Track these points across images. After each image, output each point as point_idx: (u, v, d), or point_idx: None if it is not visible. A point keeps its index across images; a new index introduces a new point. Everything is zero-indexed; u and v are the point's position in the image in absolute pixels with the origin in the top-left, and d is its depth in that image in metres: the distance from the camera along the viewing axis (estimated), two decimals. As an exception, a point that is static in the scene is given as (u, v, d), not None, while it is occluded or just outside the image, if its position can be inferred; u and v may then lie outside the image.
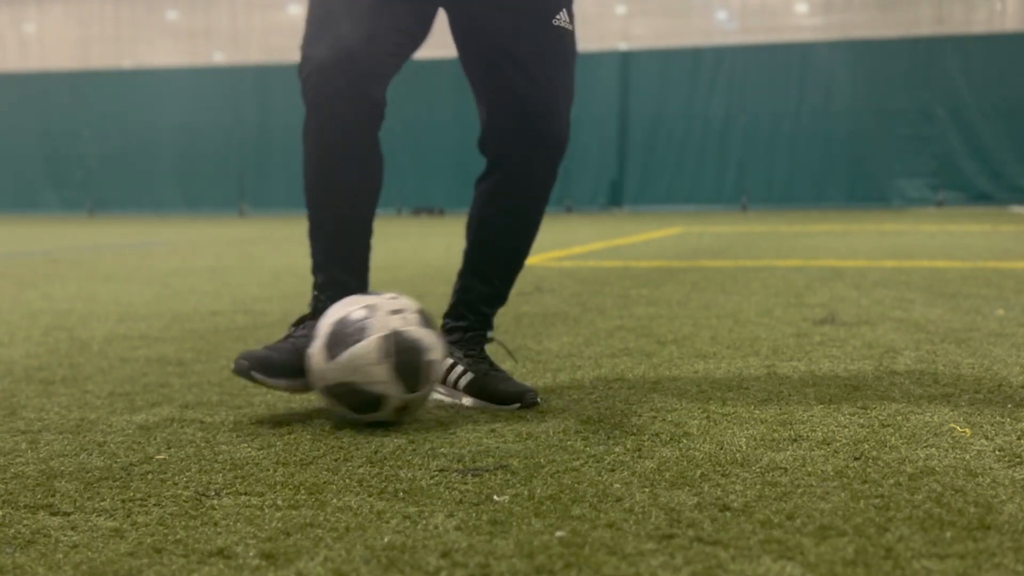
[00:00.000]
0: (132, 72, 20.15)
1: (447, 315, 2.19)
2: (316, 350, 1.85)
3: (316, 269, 2.04)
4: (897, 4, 17.37)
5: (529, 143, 2.07)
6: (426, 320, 1.90)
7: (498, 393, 2.02)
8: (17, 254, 7.89)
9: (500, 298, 2.19)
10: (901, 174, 16.58)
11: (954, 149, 16.39)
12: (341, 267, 2.03)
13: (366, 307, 1.86)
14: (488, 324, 2.18)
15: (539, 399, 2.04)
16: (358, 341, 1.81)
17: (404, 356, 1.82)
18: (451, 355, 2.11)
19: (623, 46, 18.21)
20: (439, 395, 2.13)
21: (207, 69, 19.96)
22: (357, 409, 1.84)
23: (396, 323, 1.84)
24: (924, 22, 17.18)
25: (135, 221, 16.25)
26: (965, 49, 16.48)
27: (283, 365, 1.92)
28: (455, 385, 2.09)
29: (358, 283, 2.03)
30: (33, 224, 15.25)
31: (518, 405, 1.99)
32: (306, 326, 1.98)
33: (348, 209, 2.02)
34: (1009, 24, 17.21)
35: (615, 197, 17.84)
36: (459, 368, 2.09)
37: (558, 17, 2.06)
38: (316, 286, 2.04)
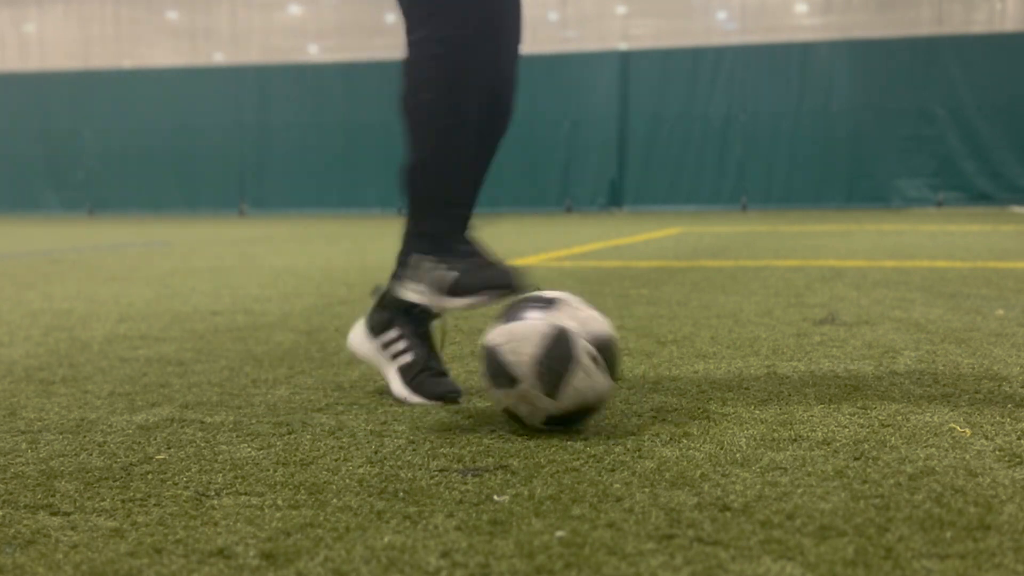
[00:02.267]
0: (132, 72, 20.14)
1: (395, 276, 2.14)
2: (597, 315, 1.83)
3: (450, 201, 2.02)
4: (897, 4, 17.37)
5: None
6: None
7: (426, 389, 2.06)
8: (17, 254, 7.89)
9: None
10: (901, 174, 16.57)
11: (954, 149, 16.37)
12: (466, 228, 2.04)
13: (547, 332, 1.78)
14: None
15: (460, 399, 2.07)
16: (570, 367, 1.75)
17: (553, 358, 1.78)
18: (400, 326, 2.12)
19: (623, 46, 18.20)
20: (369, 356, 2.15)
21: (207, 69, 19.94)
22: (616, 372, 1.82)
23: (583, 338, 1.80)
24: (924, 22, 17.16)
25: (135, 221, 16.24)
26: (965, 49, 16.47)
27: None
28: (393, 358, 2.11)
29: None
30: (33, 224, 15.25)
31: (440, 403, 2.05)
32: (464, 250, 1.97)
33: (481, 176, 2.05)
34: (1009, 24, 17.20)
35: (615, 197, 17.83)
36: (402, 344, 2.11)
37: None
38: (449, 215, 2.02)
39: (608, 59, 17.87)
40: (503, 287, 1.90)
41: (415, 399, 2.06)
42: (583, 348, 1.77)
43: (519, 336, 1.78)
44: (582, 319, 1.80)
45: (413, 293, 2.00)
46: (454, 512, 1.36)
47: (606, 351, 1.79)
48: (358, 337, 2.21)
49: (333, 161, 18.64)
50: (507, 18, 1.99)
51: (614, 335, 1.84)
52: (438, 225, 2.00)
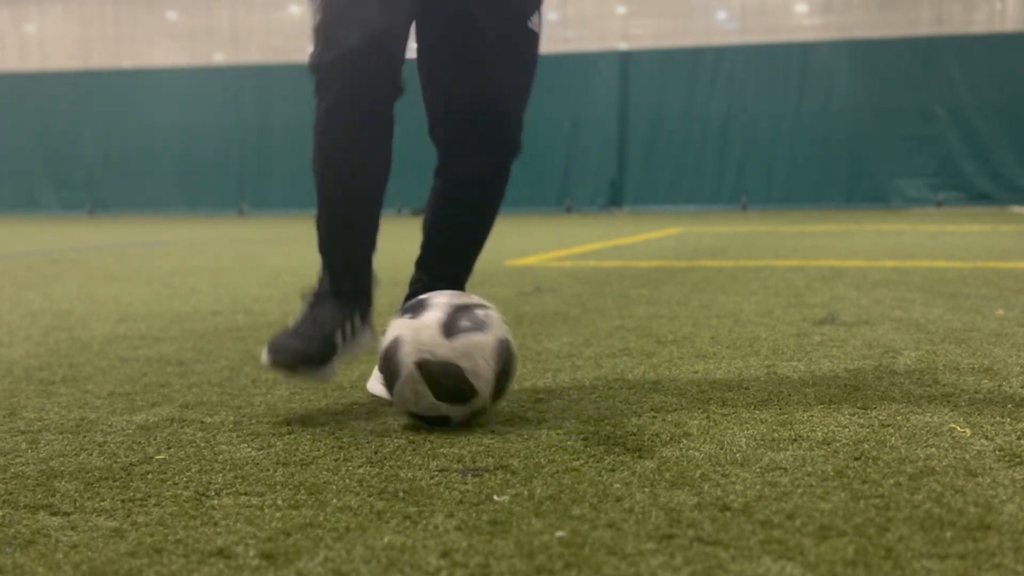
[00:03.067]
0: (132, 72, 20.14)
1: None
2: (431, 323, 1.83)
3: (332, 250, 2.04)
4: (897, 4, 17.36)
5: (486, 145, 2.09)
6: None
7: None
8: (17, 254, 7.89)
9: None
10: (901, 174, 16.57)
11: (954, 149, 16.37)
12: (367, 246, 2.04)
13: (483, 306, 1.89)
14: None
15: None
16: (480, 332, 1.83)
17: (506, 365, 1.86)
18: None
19: (623, 46, 18.20)
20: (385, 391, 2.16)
21: (207, 69, 19.94)
22: (443, 394, 1.81)
23: (507, 332, 1.89)
24: (924, 22, 17.16)
25: (135, 221, 16.24)
26: (965, 49, 16.47)
27: (317, 357, 1.92)
28: None
29: (372, 258, 2.07)
30: (33, 224, 15.25)
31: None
32: (327, 308, 1.98)
33: (373, 191, 2.02)
34: (1009, 24, 17.20)
35: (615, 197, 17.83)
36: None
37: (532, 19, 2.07)
38: (334, 267, 2.03)
39: (608, 59, 17.87)
40: (274, 362, 1.91)
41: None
42: (501, 335, 1.87)
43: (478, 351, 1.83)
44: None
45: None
46: (454, 512, 1.36)
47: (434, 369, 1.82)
48: (374, 380, 2.22)
49: (333, 161, 18.61)
50: (372, 133, 1.96)
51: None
52: (321, 281, 2.06)
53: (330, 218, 2.03)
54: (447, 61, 2.08)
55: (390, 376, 1.85)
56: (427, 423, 1.85)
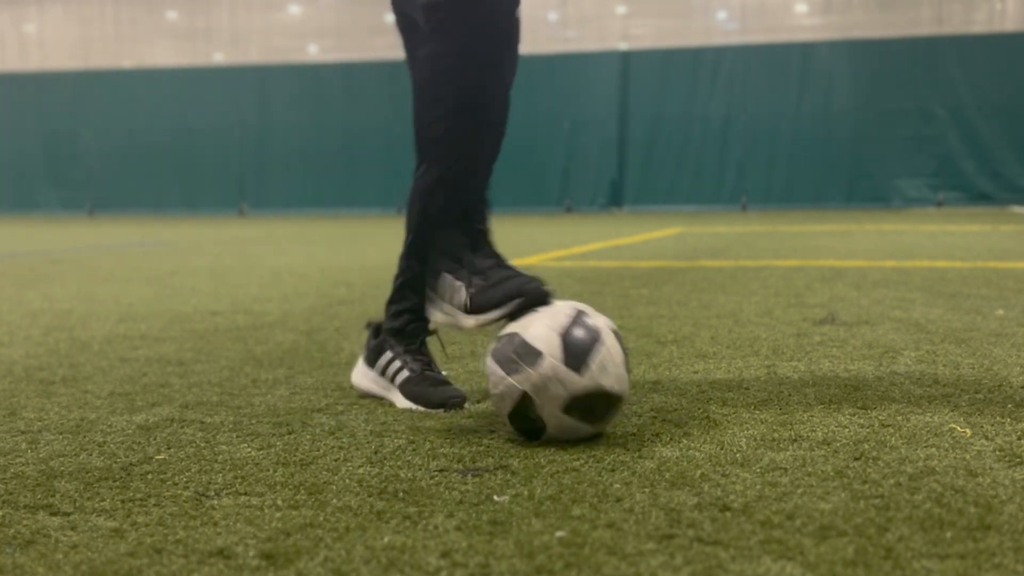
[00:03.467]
0: (132, 72, 20.13)
1: (390, 301, 2.17)
2: (555, 365, 1.71)
3: (468, 188, 1.99)
4: (897, 4, 17.36)
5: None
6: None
7: (427, 397, 2.04)
8: (17, 254, 7.89)
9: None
10: (901, 174, 16.57)
11: (954, 149, 16.37)
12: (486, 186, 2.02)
13: (570, 312, 1.79)
14: None
15: (467, 404, 2.04)
16: (596, 342, 1.74)
17: (624, 346, 1.80)
18: (391, 348, 2.13)
19: (623, 46, 18.20)
20: (373, 388, 2.15)
21: (207, 69, 19.94)
22: (599, 418, 1.73)
23: (603, 321, 1.81)
24: (924, 22, 17.16)
25: (135, 221, 16.24)
26: (965, 49, 16.47)
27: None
28: (392, 380, 2.11)
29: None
30: (33, 224, 15.25)
31: (443, 410, 2.01)
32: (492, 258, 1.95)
33: (496, 126, 2.01)
34: (1009, 24, 17.20)
35: (615, 197, 17.83)
36: (396, 363, 2.10)
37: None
38: (473, 217, 1.99)
39: (608, 59, 17.86)
40: (517, 297, 1.85)
41: (420, 409, 2.04)
42: (607, 326, 1.78)
43: (499, 386, 1.76)
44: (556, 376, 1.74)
45: (439, 314, 1.98)
46: (454, 512, 1.36)
47: (588, 402, 1.73)
48: (358, 373, 2.21)
49: (333, 161, 18.64)
50: (513, 32, 1.98)
51: (600, 384, 1.74)
52: (459, 241, 1.97)
53: (471, 154, 1.98)
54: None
55: (583, 347, 1.72)
56: (587, 414, 1.74)
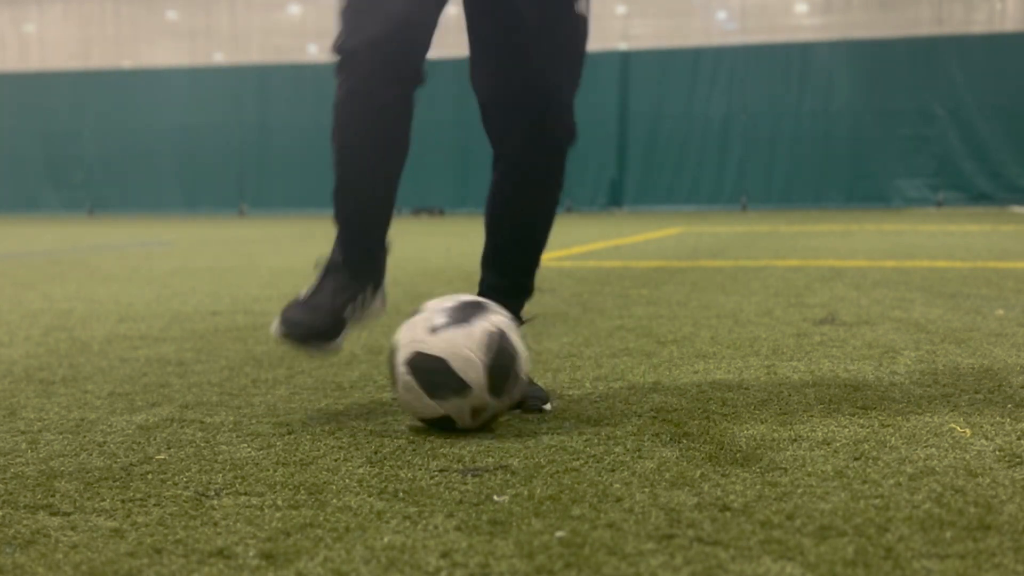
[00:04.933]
0: (132, 72, 20.13)
1: None
2: (419, 323, 1.83)
3: (349, 223, 2.02)
4: (897, 4, 17.36)
5: (534, 132, 2.05)
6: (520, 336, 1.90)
7: None
8: (17, 254, 7.89)
9: (521, 290, 2.18)
10: (901, 174, 16.57)
11: (954, 149, 16.37)
12: (381, 223, 2.04)
13: (477, 303, 1.88)
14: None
15: (546, 406, 1.99)
16: (464, 323, 1.81)
17: (499, 359, 1.81)
18: None
19: (623, 46, 18.20)
20: None
21: (207, 69, 19.94)
22: (433, 390, 1.79)
23: (503, 324, 1.85)
24: (924, 22, 17.16)
25: (135, 221, 16.24)
26: (965, 49, 16.47)
27: (325, 330, 1.93)
28: None
29: (386, 235, 2.06)
30: (33, 224, 15.25)
31: (518, 409, 1.99)
32: (336, 279, 1.98)
33: (390, 172, 2.01)
34: (1009, 24, 17.20)
35: (615, 197, 17.83)
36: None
37: (578, 3, 2.04)
38: (347, 240, 2.02)
39: (608, 59, 17.86)
40: (285, 334, 1.92)
41: None
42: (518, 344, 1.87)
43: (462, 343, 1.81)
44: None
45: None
46: (454, 512, 1.36)
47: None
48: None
49: (333, 161, 18.62)
50: (388, 129, 1.98)
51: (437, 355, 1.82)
52: (334, 251, 2.04)
53: (345, 194, 2.02)
54: (494, 52, 2.04)
55: (392, 381, 1.85)
56: (435, 427, 1.83)
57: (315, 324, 1.92)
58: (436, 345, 1.79)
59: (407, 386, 1.81)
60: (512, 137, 2.07)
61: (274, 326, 1.93)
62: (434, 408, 1.80)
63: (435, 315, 1.84)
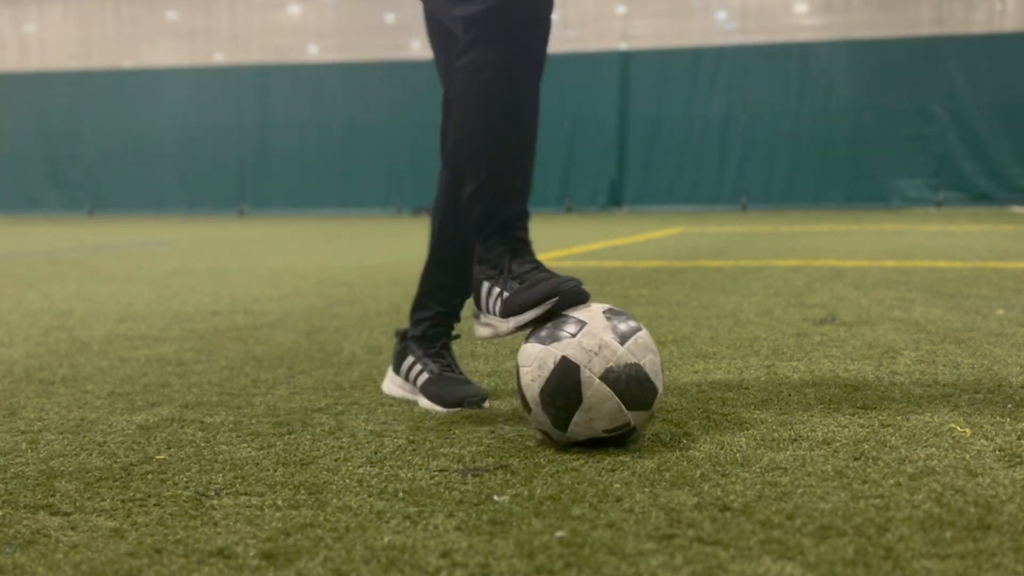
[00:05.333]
0: (132, 72, 20.14)
1: (413, 309, 2.22)
2: (601, 331, 1.69)
3: (509, 199, 1.94)
4: (897, 4, 17.37)
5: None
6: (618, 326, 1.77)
7: (443, 397, 2.05)
8: (17, 254, 7.89)
9: (463, 291, 2.17)
10: (901, 174, 16.58)
11: (954, 149, 16.38)
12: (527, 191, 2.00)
13: (607, 307, 1.77)
14: (454, 317, 2.21)
15: (485, 403, 2.03)
16: (639, 331, 1.72)
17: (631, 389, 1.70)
18: (412, 352, 2.17)
19: (623, 46, 18.20)
20: (401, 392, 2.18)
21: (207, 69, 19.95)
22: (633, 403, 1.66)
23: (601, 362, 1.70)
24: (924, 22, 17.16)
25: (135, 221, 16.24)
26: (965, 49, 16.47)
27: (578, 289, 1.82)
28: (414, 382, 2.14)
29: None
30: (33, 224, 15.25)
31: (459, 408, 2.02)
32: (528, 263, 1.90)
33: (532, 133, 1.98)
34: (1009, 24, 17.20)
35: (615, 197, 17.83)
36: (417, 367, 2.14)
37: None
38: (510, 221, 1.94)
39: (608, 59, 17.87)
40: (552, 297, 1.78)
41: (440, 409, 2.05)
42: (591, 381, 1.66)
43: (534, 362, 1.71)
44: (601, 344, 1.68)
45: (482, 328, 1.93)
46: (454, 512, 1.36)
47: (627, 380, 1.67)
48: (387, 381, 2.26)
49: (333, 161, 18.65)
50: (547, 36, 1.97)
51: (638, 362, 1.69)
52: (498, 250, 1.93)
53: (509, 165, 1.95)
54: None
55: (567, 407, 1.66)
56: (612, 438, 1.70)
57: (573, 285, 1.81)
58: (629, 353, 1.68)
59: (603, 397, 1.65)
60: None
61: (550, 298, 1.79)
62: (623, 418, 1.67)
63: (611, 326, 1.71)
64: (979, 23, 17.24)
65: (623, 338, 1.69)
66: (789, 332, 2.97)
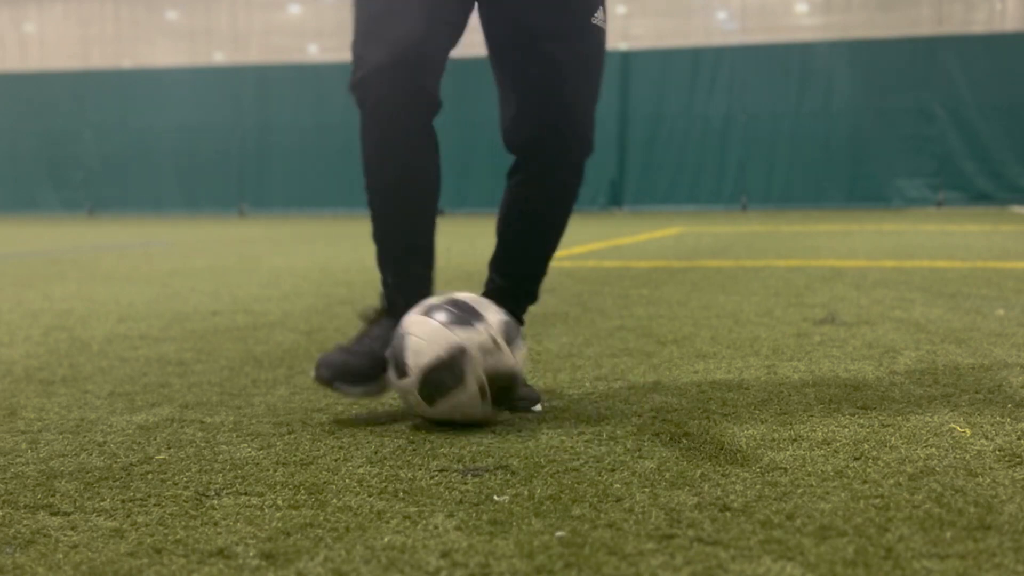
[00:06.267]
0: (132, 72, 20.13)
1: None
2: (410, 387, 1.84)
3: (385, 266, 2.02)
4: (897, 4, 17.36)
5: (555, 142, 2.05)
6: (510, 334, 1.88)
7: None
8: (17, 254, 7.89)
9: (525, 295, 2.17)
10: (901, 174, 16.57)
11: (954, 149, 16.37)
12: (416, 262, 2.02)
13: (457, 349, 1.82)
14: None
15: (537, 407, 2.00)
16: (459, 385, 1.81)
17: (500, 393, 1.85)
18: None
19: (623, 46, 18.19)
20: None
21: (207, 69, 19.94)
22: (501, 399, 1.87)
23: (491, 363, 1.82)
24: (924, 22, 17.16)
25: (135, 221, 16.24)
26: (965, 49, 16.47)
27: (361, 372, 1.92)
28: None
29: (430, 273, 2.04)
30: (33, 224, 15.25)
31: (509, 410, 1.99)
32: (381, 326, 1.97)
33: (419, 204, 2.00)
34: (1009, 24, 17.20)
35: (615, 197, 17.83)
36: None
37: (596, 15, 2.05)
38: (388, 284, 2.01)
39: (608, 59, 17.74)
40: (315, 377, 1.94)
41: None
42: (475, 375, 1.81)
43: (428, 338, 1.82)
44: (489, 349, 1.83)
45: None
46: (454, 512, 1.36)
47: (499, 383, 1.83)
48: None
49: (333, 161, 18.63)
50: (419, 144, 1.97)
51: (517, 370, 1.87)
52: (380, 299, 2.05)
53: (381, 234, 2.03)
54: (514, 67, 2.04)
55: (441, 388, 1.82)
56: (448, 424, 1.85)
57: (345, 363, 1.91)
58: (439, 414, 1.85)
59: (474, 392, 1.83)
60: (535, 152, 2.07)
61: (312, 371, 1.95)
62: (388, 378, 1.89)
63: (422, 383, 1.83)
64: (979, 23, 17.24)
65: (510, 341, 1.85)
66: (789, 332, 2.97)
